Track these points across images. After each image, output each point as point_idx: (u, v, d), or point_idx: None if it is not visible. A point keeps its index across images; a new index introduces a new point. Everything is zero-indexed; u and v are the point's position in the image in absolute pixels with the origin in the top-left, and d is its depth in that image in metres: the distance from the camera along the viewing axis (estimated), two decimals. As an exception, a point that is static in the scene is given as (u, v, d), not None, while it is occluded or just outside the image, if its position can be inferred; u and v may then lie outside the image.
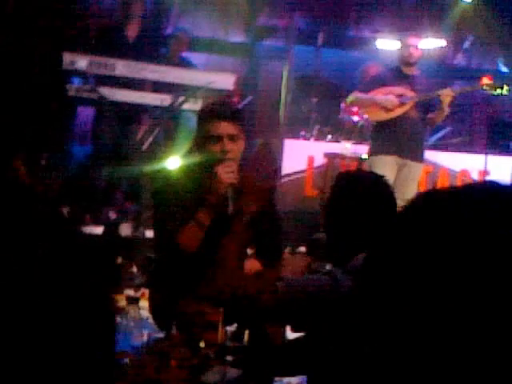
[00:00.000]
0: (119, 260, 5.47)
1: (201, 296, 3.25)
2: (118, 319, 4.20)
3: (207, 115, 3.69)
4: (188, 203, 3.55)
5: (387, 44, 8.01)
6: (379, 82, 6.60)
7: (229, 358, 2.86)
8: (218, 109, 3.69)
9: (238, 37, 9.03)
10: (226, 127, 3.60)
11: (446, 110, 6.38)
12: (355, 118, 7.74)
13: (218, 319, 3.03)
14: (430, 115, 6.48)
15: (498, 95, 6.68)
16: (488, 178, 7.37)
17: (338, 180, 2.85)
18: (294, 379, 3.04)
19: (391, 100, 6.43)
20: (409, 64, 6.53)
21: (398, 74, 6.57)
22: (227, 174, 3.54)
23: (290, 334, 3.15)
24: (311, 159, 7.69)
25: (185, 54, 7.56)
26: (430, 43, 7.62)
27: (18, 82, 5.69)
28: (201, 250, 3.53)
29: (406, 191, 6.07)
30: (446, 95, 6.31)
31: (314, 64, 8.36)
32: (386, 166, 6.32)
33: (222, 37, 8.89)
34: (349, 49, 9.25)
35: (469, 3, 8.90)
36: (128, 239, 5.84)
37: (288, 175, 7.65)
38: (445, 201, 0.84)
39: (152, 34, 7.08)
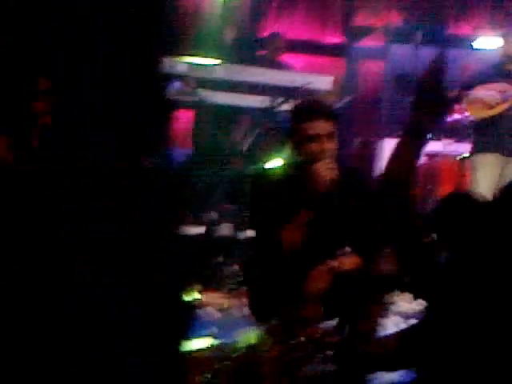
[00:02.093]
0: (220, 259, 5.54)
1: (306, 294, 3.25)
2: (219, 315, 4.27)
3: (303, 114, 3.65)
4: (287, 202, 3.56)
5: (486, 43, 7.84)
6: (480, 78, 6.46)
7: (328, 352, 2.86)
8: (314, 107, 3.65)
9: (335, 38, 9.01)
10: (323, 126, 3.56)
11: None
12: (456, 116, 7.61)
13: (318, 314, 3.04)
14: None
15: None
16: None
17: None
18: (395, 375, 3.01)
19: (493, 96, 6.29)
20: (512, 61, 6.38)
21: (500, 70, 6.42)
22: (327, 170, 3.53)
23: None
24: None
25: (282, 56, 7.59)
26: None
27: (123, 87, 5.83)
28: (303, 246, 3.53)
29: None
30: None
31: (413, 63, 8.24)
32: (489, 165, 6.21)
33: (319, 38, 8.89)
34: (448, 47, 9.09)
35: None
36: (228, 239, 5.91)
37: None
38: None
39: (250, 37, 7.14)
